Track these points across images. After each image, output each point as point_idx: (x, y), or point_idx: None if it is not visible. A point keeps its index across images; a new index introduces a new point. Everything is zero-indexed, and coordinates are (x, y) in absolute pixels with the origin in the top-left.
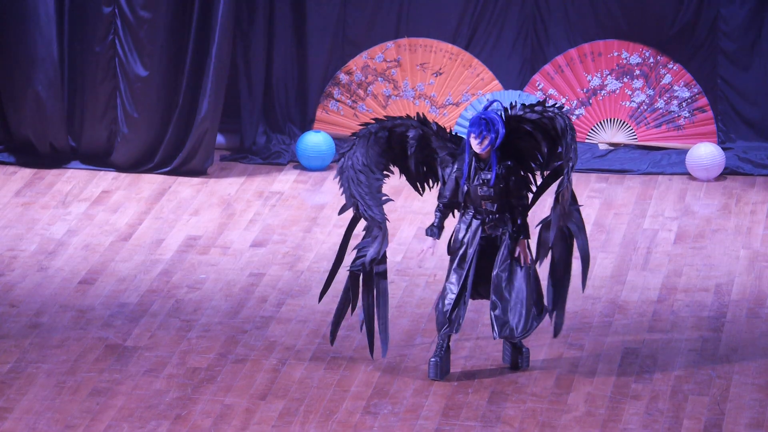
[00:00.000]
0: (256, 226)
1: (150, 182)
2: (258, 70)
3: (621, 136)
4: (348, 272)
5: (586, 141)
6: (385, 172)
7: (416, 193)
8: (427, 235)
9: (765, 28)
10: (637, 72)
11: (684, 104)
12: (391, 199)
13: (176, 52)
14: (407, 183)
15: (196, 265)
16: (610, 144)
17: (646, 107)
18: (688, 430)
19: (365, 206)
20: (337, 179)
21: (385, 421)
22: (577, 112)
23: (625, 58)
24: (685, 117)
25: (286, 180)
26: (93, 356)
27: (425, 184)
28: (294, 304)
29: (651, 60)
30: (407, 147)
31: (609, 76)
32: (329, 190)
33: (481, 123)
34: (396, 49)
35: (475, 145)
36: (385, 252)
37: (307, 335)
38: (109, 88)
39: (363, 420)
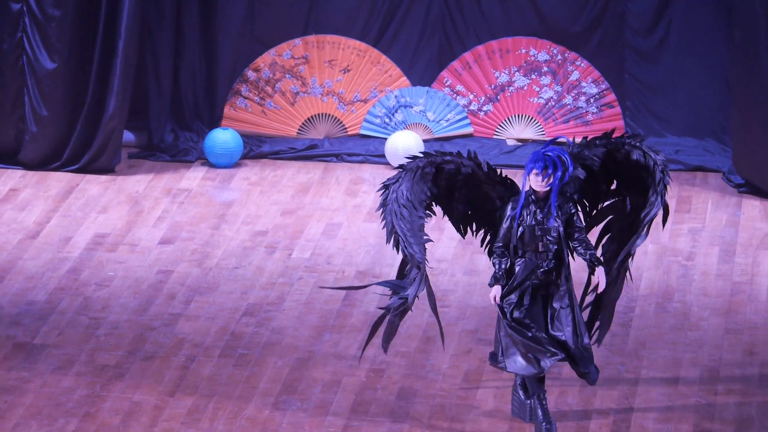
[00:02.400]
0: (164, 223)
1: (58, 180)
2: (166, 68)
3: (529, 132)
4: (382, 310)
5: (494, 137)
6: (427, 212)
7: (324, 190)
8: (491, 285)
9: (673, 23)
10: (545, 69)
11: (592, 100)
12: (431, 240)
13: (84, 49)
14: (314, 179)
15: (104, 263)
16: (518, 140)
17: (554, 103)
18: (597, 425)
19: (406, 243)
20: (380, 211)
21: (294, 417)
22: (484, 108)
23: (533, 55)
24: (593, 113)
25: (194, 177)
26: (1, 354)
27: (468, 227)
28: (202, 301)
29: (559, 57)
30: (455, 186)
31: (517, 73)
32: (237, 187)
33: (546, 159)
34: (304, 46)
35: (537, 183)
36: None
37: (215, 332)
38: (16, 86)
39: (272, 416)
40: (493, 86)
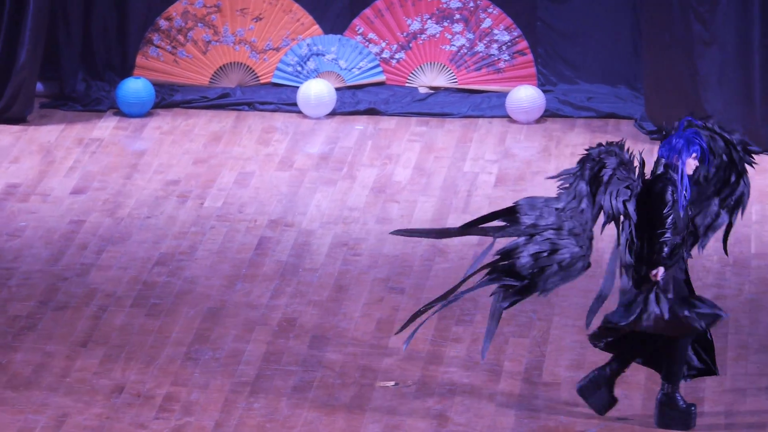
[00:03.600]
0: (76, 173)
1: None
2: (77, 17)
3: (441, 80)
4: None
5: (407, 85)
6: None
7: (236, 139)
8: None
9: None
10: (457, 16)
11: (504, 47)
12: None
13: None
14: (227, 128)
15: (16, 213)
16: (431, 87)
17: (466, 51)
18: (508, 373)
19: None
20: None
21: (206, 367)
22: (397, 56)
23: (445, 2)
24: (505, 60)
25: (106, 127)
26: None
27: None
28: (114, 251)
29: (471, 4)
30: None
31: (429, 20)
32: (149, 137)
33: (702, 147)
34: None
35: (691, 169)
36: None
37: (127, 282)
38: None
39: (184, 366)
40: (405, 34)
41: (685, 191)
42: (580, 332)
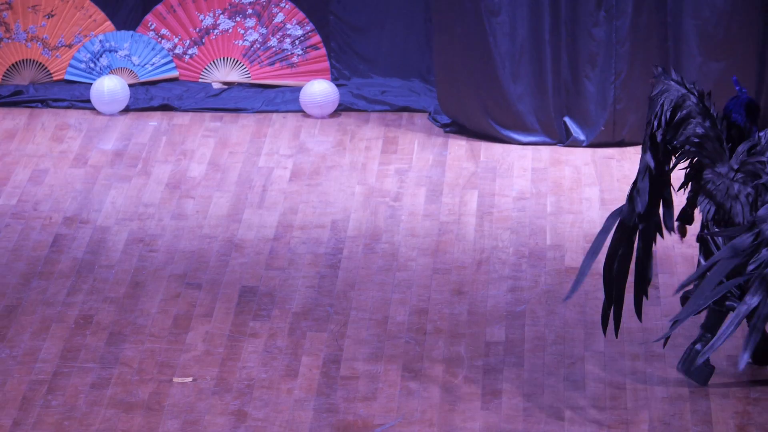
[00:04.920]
0: None
1: None
2: None
3: (234, 75)
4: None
5: (200, 80)
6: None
7: (29, 136)
8: None
9: None
10: (250, 11)
11: (297, 42)
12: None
13: None
14: (20, 126)
15: None
16: (224, 83)
17: (259, 46)
18: (306, 366)
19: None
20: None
21: (3, 365)
22: (190, 51)
23: None
24: (299, 55)
25: None
26: None
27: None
28: None
29: None
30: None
31: (222, 16)
32: None
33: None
34: None
35: None
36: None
37: None
38: None
39: None
40: (197, 29)
41: None
42: (377, 325)
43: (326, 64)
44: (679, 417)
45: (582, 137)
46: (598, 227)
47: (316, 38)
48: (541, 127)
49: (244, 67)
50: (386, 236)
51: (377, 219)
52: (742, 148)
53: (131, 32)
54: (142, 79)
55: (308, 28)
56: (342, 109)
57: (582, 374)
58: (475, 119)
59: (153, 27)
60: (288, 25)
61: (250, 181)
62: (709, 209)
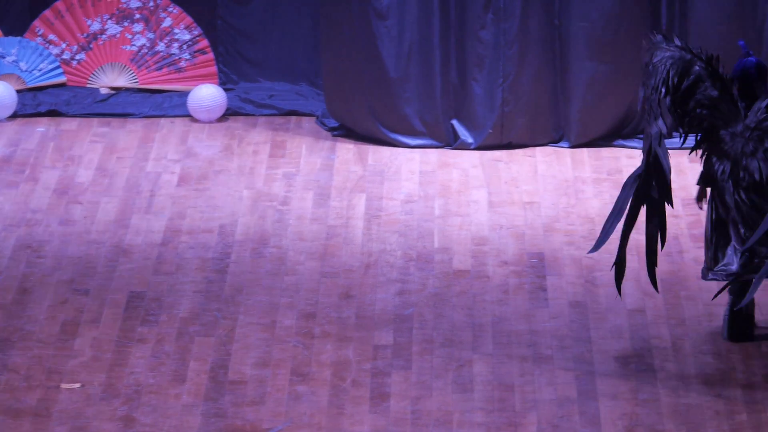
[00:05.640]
0: None
1: None
2: None
3: (122, 80)
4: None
5: (88, 85)
6: None
7: None
8: None
9: None
10: (137, 16)
11: (185, 46)
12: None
13: None
14: None
15: None
16: (112, 88)
17: (146, 51)
18: (194, 372)
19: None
20: None
21: None
22: (77, 57)
23: (125, 2)
24: (186, 59)
25: None
26: None
27: None
28: None
29: (151, 3)
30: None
31: (109, 21)
32: None
33: None
34: None
35: None
36: None
37: None
38: None
39: None
40: (85, 35)
41: None
42: (265, 330)
43: (214, 69)
44: (567, 419)
45: (470, 140)
46: (486, 229)
47: (204, 42)
48: (429, 130)
49: (131, 72)
50: (274, 240)
51: (265, 223)
52: (758, 105)
53: (18, 38)
54: (30, 85)
55: (196, 32)
56: (230, 113)
57: (470, 377)
58: (362, 123)
59: (41, 33)
60: (176, 30)
61: (138, 186)
62: (723, 169)
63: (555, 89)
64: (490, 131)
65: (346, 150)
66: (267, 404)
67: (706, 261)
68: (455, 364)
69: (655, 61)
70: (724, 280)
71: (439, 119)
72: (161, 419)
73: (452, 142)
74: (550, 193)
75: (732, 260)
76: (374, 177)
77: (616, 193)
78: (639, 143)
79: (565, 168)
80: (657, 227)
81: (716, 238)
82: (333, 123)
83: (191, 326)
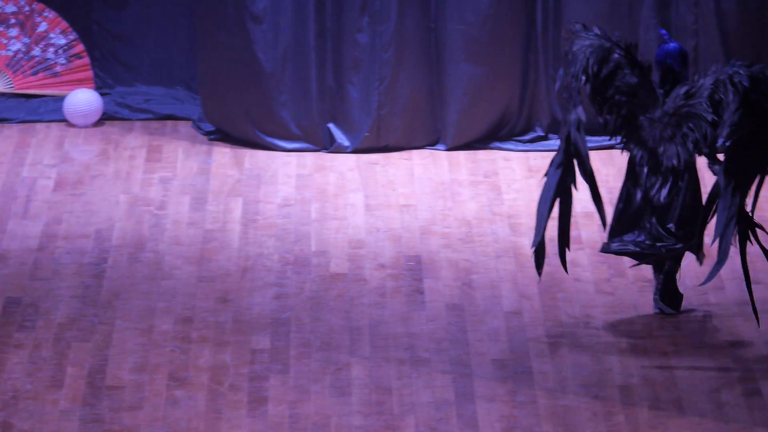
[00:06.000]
0: None
1: None
2: None
3: None
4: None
5: None
6: None
7: None
8: None
9: None
10: (13, 20)
11: (60, 51)
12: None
13: None
14: None
15: None
16: None
17: (22, 55)
18: (71, 377)
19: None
20: None
21: None
22: None
23: (0, 7)
24: (62, 64)
25: None
26: None
27: None
28: None
29: (26, 8)
30: None
31: None
32: None
33: None
34: None
35: None
36: None
37: None
38: None
39: None
40: None
41: None
42: (142, 335)
43: (90, 73)
44: (445, 422)
45: (346, 143)
46: (363, 233)
47: (80, 47)
48: (306, 133)
49: (7, 77)
50: (151, 245)
51: (142, 228)
52: (677, 92)
53: None
54: None
55: (71, 37)
56: (106, 117)
57: (348, 380)
58: (239, 127)
59: None
60: (51, 35)
61: (14, 191)
62: (641, 155)
63: (431, 92)
64: (367, 134)
65: (223, 154)
66: (145, 409)
67: (609, 235)
68: (333, 367)
69: (575, 49)
70: (623, 254)
71: (316, 123)
72: (39, 425)
73: (329, 145)
74: (426, 196)
75: (636, 237)
76: (251, 181)
77: (493, 195)
78: (515, 145)
79: (442, 171)
80: (568, 211)
81: (624, 215)
82: (209, 127)
83: (68, 331)
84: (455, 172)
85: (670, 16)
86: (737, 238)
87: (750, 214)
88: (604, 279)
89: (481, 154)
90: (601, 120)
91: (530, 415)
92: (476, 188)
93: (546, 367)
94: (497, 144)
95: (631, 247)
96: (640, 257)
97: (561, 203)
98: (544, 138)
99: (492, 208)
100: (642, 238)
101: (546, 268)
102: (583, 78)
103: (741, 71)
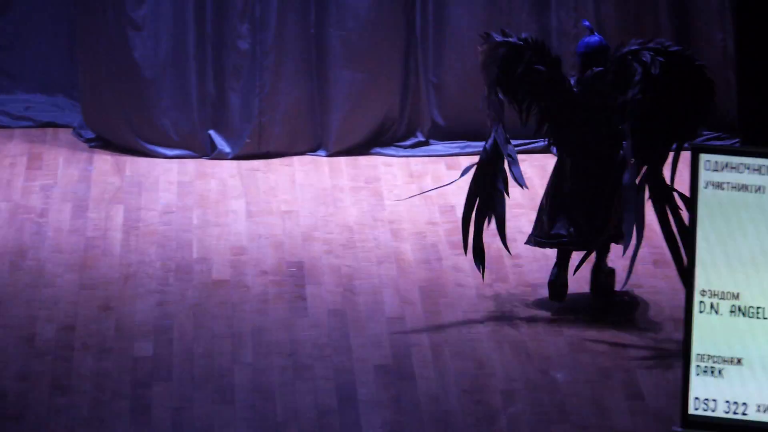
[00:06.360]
0: None
1: None
2: None
3: None
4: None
5: None
6: None
7: None
8: None
9: None
10: None
11: None
12: None
13: None
14: None
15: None
16: None
17: None
18: None
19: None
20: None
21: None
22: None
23: None
24: None
25: None
26: None
27: None
28: None
29: None
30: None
31: None
32: None
33: None
34: None
35: None
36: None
37: None
38: None
39: None
40: None
41: None
42: (24, 343)
43: None
44: (328, 428)
45: (227, 150)
46: (244, 239)
47: None
48: (186, 140)
49: None
50: (32, 253)
51: (23, 235)
52: (588, 75)
53: None
54: None
55: None
56: None
57: (231, 387)
58: (119, 134)
59: None
60: None
61: None
62: (567, 149)
63: (312, 98)
64: (248, 141)
65: (104, 161)
66: (27, 418)
67: (534, 228)
68: (216, 374)
69: (485, 59)
70: (549, 247)
71: (196, 129)
72: None
73: (209, 152)
74: (308, 202)
75: (562, 230)
76: (132, 188)
77: (375, 200)
78: (396, 151)
79: (323, 177)
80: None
81: (549, 208)
82: (90, 134)
83: None
84: (336, 177)
85: (549, 20)
86: (656, 209)
87: (666, 182)
88: (486, 284)
89: (363, 160)
90: (521, 122)
91: (414, 420)
92: (357, 194)
93: (428, 372)
94: (378, 149)
95: (555, 240)
96: (565, 248)
97: (489, 204)
98: (425, 143)
99: (373, 214)
100: (566, 230)
101: (428, 274)
102: (499, 90)
103: (651, 47)
